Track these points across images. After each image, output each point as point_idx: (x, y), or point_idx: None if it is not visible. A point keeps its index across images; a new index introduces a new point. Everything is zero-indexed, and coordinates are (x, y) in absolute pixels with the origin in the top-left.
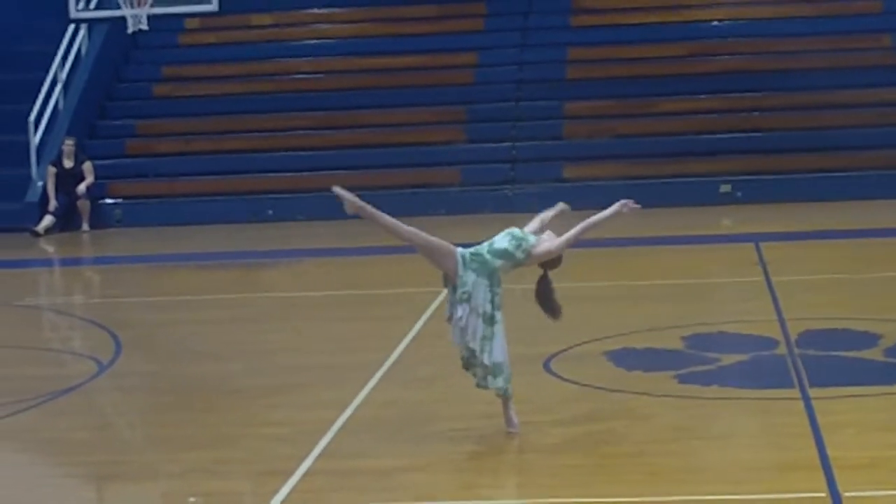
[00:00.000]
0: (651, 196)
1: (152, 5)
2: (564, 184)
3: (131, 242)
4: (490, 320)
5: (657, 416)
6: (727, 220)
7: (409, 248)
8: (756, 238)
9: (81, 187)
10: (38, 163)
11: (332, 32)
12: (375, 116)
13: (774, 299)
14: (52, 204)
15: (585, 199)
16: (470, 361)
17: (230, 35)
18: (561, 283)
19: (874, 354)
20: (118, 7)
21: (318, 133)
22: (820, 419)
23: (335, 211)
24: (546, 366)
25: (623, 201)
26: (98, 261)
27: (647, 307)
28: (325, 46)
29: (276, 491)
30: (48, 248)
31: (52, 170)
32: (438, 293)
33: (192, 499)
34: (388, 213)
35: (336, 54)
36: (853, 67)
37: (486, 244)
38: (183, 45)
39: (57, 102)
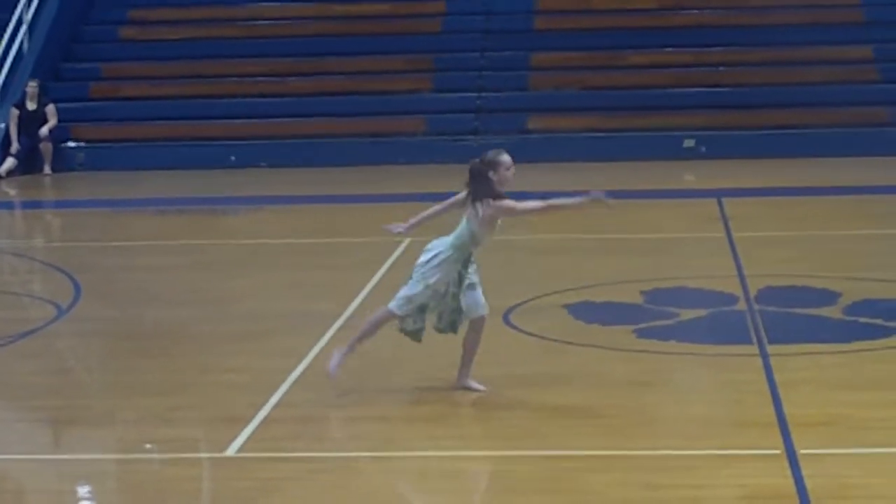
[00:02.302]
0: (615, 150)
1: None
2: (529, 135)
3: (93, 186)
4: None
5: (615, 371)
6: (690, 174)
7: (372, 197)
8: (719, 193)
9: (44, 130)
10: (1, 105)
11: None
12: (341, 64)
13: (735, 255)
14: (14, 146)
15: (549, 150)
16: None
17: None
18: (522, 236)
19: (833, 312)
20: None
21: (283, 80)
22: (777, 376)
23: (298, 158)
24: (506, 318)
25: (594, 193)
26: (59, 204)
27: (607, 261)
28: None
29: (233, 438)
30: (9, 190)
31: (14, 112)
32: (400, 242)
33: (147, 445)
34: (352, 161)
35: (303, 0)
36: (822, 24)
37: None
38: None
39: (21, 44)
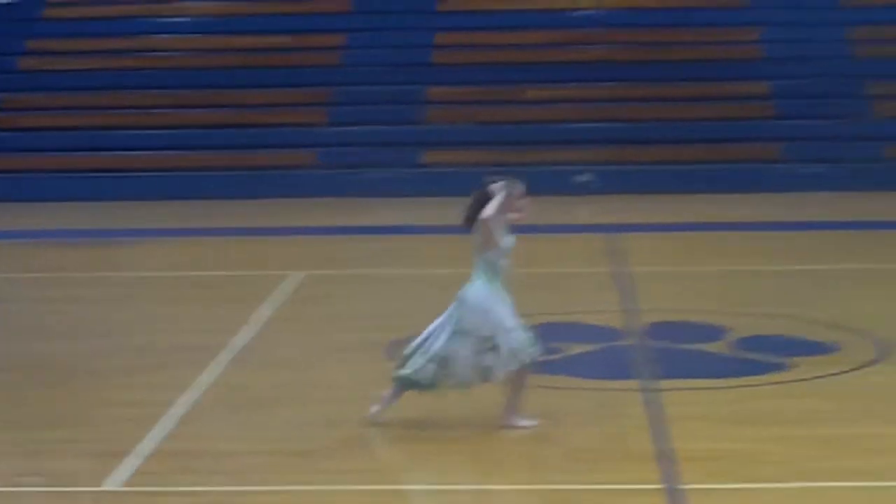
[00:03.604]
0: None
1: None
2: (424, 169)
3: None
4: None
5: (494, 405)
6: (585, 210)
7: (266, 230)
8: (611, 228)
9: None
10: None
11: (199, 10)
12: (238, 96)
13: (626, 290)
14: None
15: (444, 185)
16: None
17: (96, 10)
18: (406, 270)
19: (721, 347)
20: None
21: (182, 111)
22: (667, 411)
23: (193, 190)
24: (388, 352)
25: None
26: None
27: None
28: (192, 24)
29: (116, 471)
30: None
31: None
32: (284, 276)
33: (28, 478)
34: (247, 194)
35: (202, 32)
36: (719, 60)
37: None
38: (48, 18)
39: None
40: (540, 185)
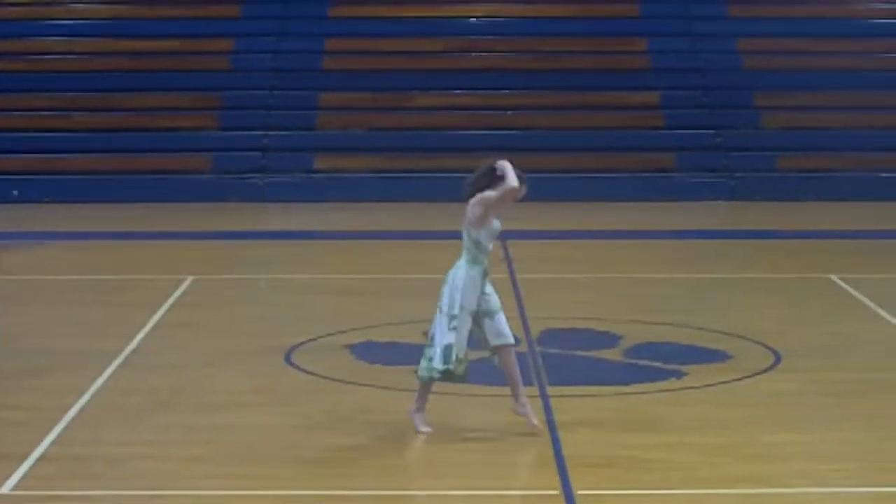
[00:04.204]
0: (401, 190)
1: None
2: (316, 175)
3: None
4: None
5: (397, 411)
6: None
7: (155, 234)
8: (503, 235)
9: None
10: None
11: (87, 13)
12: (128, 100)
13: (518, 297)
14: None
15: (335, 190)
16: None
17: None
18: (303, 275)
19: (614, 355)
20: None
21: (68, 114)
22: (557, 417)
23: (81, 194)
24: (287, 358)
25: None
26: None
27: (391, 301)
28: (79, 27)
29: (6, 476)
30: None
31: None
32: (180, 281)
33: None
34: (137, 198)
35: (90, 35)
36: (610, 70)
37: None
38: None
39: None
40: (430, 191)
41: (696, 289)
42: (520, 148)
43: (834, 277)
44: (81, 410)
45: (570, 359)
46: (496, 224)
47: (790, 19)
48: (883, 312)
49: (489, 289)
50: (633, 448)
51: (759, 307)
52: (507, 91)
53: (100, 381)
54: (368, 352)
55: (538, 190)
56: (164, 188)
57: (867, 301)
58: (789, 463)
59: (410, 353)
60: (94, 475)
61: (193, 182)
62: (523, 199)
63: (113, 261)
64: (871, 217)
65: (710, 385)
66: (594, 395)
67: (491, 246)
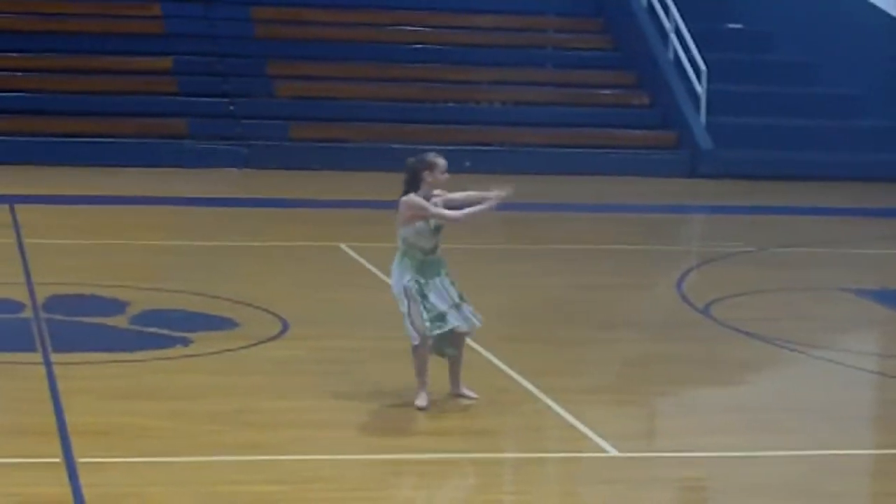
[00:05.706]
0: None
1: None
2: None
3: None
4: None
5: None
6: None
7: None
8: (10, 200)
9: None
10: None
11: None
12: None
13: (24, 262)
14: None
15: None
16: None
17: None
18: None
19: (119, 322)
20: None
21: None
22: (60, 384)
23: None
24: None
25: (499, 194)
26: None
27: None
28: None
29: None
30: None
31: None
32: None
33: None
34: None
35: None
36: (121, 34)
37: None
38: None
39: None
40: None
41: (206, 256)
42: (26, 110)
43: (343, 246)
44: None
45: (74, 325)
46: (419, 224)
47: None
48: (389, 280)
49: (446, 283)
50: (135, 415)
51: (269, 275)
52: (17, 53)
53: None
54: None
55: (46, 154)
56: None
57: (374, 269)
58: (286, 430)
59: None
60: None
61: None
62: (24, 162)
63: None
64: (381, 188)
65: (215, 353)
66: (98, 363)
67: (428, 244)
